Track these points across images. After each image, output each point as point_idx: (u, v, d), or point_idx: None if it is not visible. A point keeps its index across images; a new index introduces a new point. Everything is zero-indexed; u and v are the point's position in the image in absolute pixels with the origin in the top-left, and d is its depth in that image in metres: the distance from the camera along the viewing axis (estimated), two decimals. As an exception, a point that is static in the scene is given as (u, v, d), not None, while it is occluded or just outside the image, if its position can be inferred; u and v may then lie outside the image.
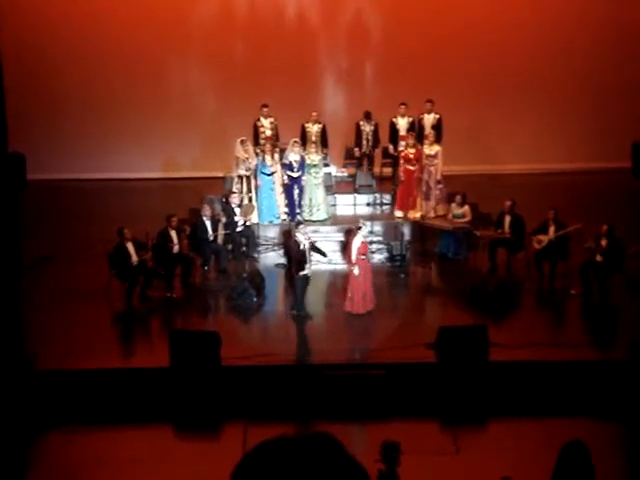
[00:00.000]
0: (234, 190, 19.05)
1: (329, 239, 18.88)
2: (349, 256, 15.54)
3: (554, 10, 23.55)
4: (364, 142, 20.50)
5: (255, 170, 19.25)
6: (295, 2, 23.86)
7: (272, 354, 14.31)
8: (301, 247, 15.43)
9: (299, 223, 16.41)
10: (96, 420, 13.21)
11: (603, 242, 16.37)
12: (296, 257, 15.49)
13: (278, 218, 19.16)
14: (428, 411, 13.38)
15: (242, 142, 19.35)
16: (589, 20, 23.58)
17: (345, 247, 17.04)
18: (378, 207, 20.36)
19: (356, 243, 15.37)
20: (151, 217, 18.19)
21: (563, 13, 23.58)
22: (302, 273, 15.45)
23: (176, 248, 17.05)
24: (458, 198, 18.67)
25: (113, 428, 13.12)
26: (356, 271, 15.30)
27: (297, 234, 15.66)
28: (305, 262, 15.44)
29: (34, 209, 20.36)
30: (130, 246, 16.54)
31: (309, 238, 15.72)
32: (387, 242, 18.15)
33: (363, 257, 15.39)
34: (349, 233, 16.98)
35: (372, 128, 20.42)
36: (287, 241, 16.76)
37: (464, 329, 14.19)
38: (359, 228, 15.51)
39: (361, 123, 20.50)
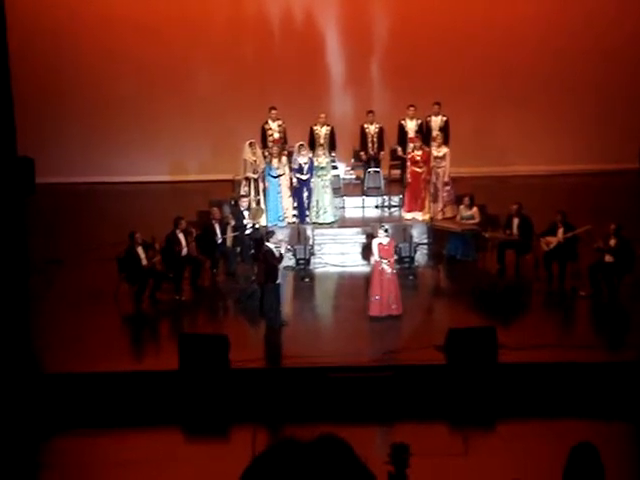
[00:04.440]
0: (242, 193, 19.07)
1: (339, 241, 18.93)
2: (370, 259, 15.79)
3: (561, 12, 23.54)
4: (369, 144, 20.50)
5: (263, 173, 19.27)
6: (303, 6, 23.89)
7: (281, 357, 14.34)
8: (277, 255, 15.39)
9: (271, 232, 16.24)
10: (105, 423, 13.22)
11: (612, 241, 16.36)
12: (271, 266, 15.38)
13: (283, 220, 19.15)
14: (437, 413, 13.38)
15: (250, 145, 19.36)
16: (596, 22, 23.54)
17: (366, 250, 17.41)
18: (386, 209, 20.35)
19: (374, 246, 15.48)
20: (160, 220, 18.21)
21: (570, 15, 23.56)
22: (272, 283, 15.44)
23: (184, 251, 17.09)
24: (466, 200, 18.67)
25: (122, 431, 13.13)
26: (372, 273, 15.55)
27: (269, 244, 15.54)
28: (277, 271, 15.48)
29: (43, 212, 20.40)
30: (140, 250, 16.58)
31: (280, 247, 15.66)
32: (396, 244, 18.12)
33: (380, 260, 15.45)
34: (371, 236, 17.09)
35: (377, 130, 20.42)
36: (260, 251, 16.35)
37: (473, 331, 14.17)
38: (381, 230, 15.66)
39: (365, 125, 20.51)
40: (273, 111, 20.25)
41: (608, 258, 16.33)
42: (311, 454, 2.78)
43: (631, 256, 16.40)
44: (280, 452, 2.81)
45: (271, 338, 15.37)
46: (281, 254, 15.54)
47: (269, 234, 15.87)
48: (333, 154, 20.41)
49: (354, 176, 21.55)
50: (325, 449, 2.80)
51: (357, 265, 18.29)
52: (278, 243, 15.60)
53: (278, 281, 15.50)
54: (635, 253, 16.52)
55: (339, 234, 19.19)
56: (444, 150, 19.45)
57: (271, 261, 15.29)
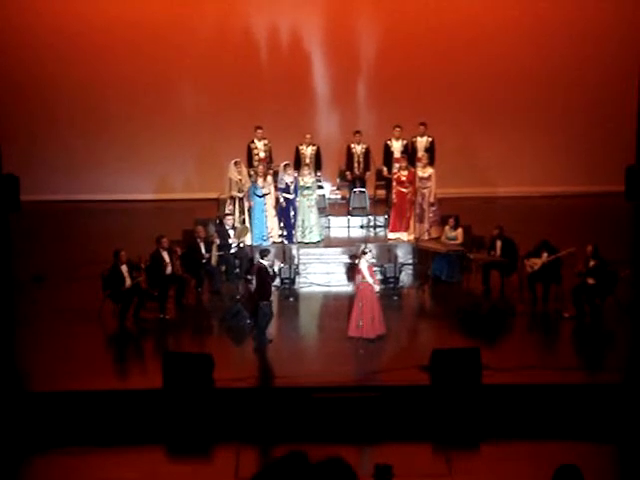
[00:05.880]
0: (227, 212, 19.07)
1: (324, 261, 18.93)
2: (355, 280, 15.67)
3: (548, 34, 23.66)
4: (355, 164, 20.54)
5: (248, 192, 19.27)
6: (289, 26, 23.96)
7: (266, 376, 14.31)
8: (271, 273, 15.41)
9: (266, 250, 16.15)
10: (88, 442, 13.15)
11: (591, 263, 16.43)
12: (267, 284, 15.35)
13: (267, 240, 19.13)
14: (421, 433, 13.35)
15: (236, 164, 19.37)
16: (582, 43, 23.69)
17: (351, 271, 17.32)
18: (372, 229, 20.38)
19: (365, 269, 15.37)
20: (144, 238, 18.19)
21: (557, 37, 23.69)
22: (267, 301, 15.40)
23: (169, 269, 17.05)
24: (451, 221, 18.71)
25: (105, 450, 13.06)
26: (362, 296, 15.41)
27: (262, 261, 15.50)
28: (271, 289, 15.48)
29: (28, 230, 20.35)
30: (124, 269, 16.53)
31: (274, 265, 15.66)
32: (380, 264, 18.13)
33: (367, 281, 15.38)
34: (354, 257, 17.04)
35: (363, 150, 20.47)
36: (255, 269, 16.18)
37: (457, 352, 14.17)
38: (364, 253, 15.53)
39: (352, 145, 20.56)
40: (259, 130, 20.28)
41: (590, 281, 16.39)
42: (318, 474, 2.79)
43: (612, 277, 16.49)
44: (290, 464, 2.81)
45: (256, 357, 15.34)
46: (274, 272, 15.58)
47: (264, 252, 15.85)
48: (319, 174, 20.45)
49: (339, 196, 21.60)
50: (332, 471, 2.81)
51: (342, 285, 18.29)
52: (272, 261, 15.61)
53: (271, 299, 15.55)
54: (617, 274, 16.61)
55: (324, 254, 19.20)
56: (429, 171, 19.50)
57: (265, 278, 15.30)
